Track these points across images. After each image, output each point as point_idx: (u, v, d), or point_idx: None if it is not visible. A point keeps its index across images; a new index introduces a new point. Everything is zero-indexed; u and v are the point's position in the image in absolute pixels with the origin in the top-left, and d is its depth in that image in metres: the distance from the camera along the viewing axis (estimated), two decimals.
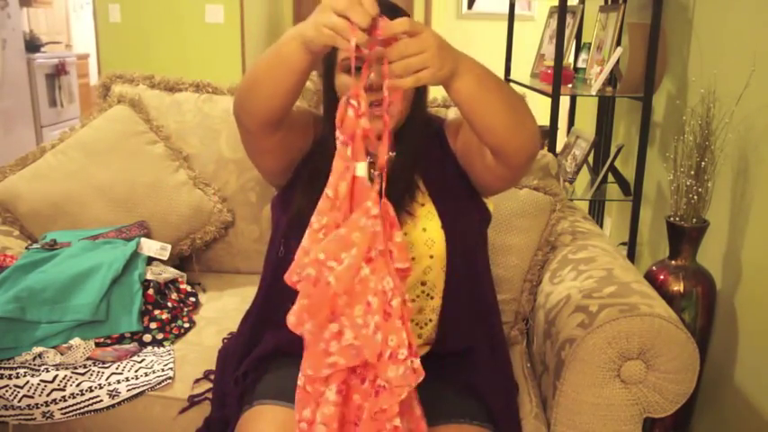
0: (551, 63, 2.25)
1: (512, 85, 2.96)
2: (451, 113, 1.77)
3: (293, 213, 1.22)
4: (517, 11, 3.10)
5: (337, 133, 0.92)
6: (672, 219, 1.84)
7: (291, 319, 0.93)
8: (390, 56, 0.90)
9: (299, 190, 1.23)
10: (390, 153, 1.22)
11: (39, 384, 1.31)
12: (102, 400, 1.32)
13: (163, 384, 1.36)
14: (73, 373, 1.35)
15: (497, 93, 1.00)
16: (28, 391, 1.30)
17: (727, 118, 1.79)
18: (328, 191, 0.92)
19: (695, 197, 1.77)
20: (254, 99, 1.09)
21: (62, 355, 1.39)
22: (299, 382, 0.98)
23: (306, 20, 0.96)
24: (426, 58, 0.90)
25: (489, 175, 1.16)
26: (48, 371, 1.34)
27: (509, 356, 1.34)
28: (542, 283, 1.56)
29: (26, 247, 1.66)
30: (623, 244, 2.43)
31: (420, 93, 1.22)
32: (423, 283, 1.21)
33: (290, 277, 0.95)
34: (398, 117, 1.17)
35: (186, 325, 1.59)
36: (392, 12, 1.14)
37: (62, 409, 1.30)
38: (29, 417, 1.30)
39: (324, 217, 0.92)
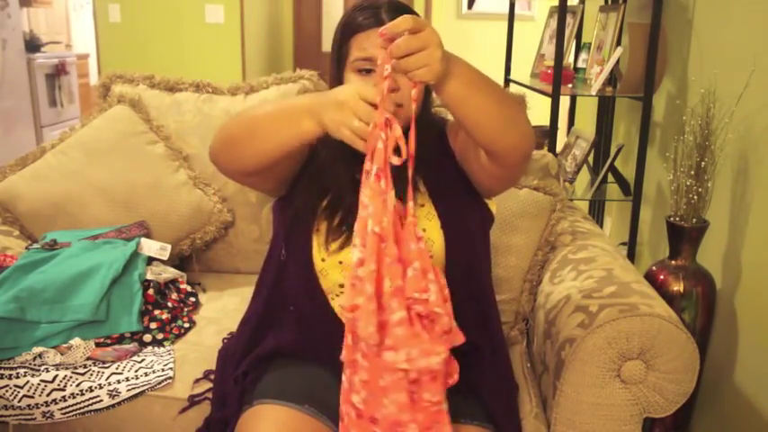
0: (551, 63, 2.25)
1: (512, 85, 2.96)
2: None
3: (292, 217, 1.22)
4: (517, 11, 3.10)
5: (367, 166, 0.93)
6: (672, 219, 1.84)
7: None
8: (394, 52, 0.90)
9: (297, 197, 1.23)
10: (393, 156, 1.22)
11: (39, 384, 1.31)
12: (102, 400, 1.32)
13: (163, 384, 1.36)
14: (73, 373, 1.35)
15: (487, 93, 1.00)
16: (28, 391, 1.30)
17: (727, 118, 1.79)
18: (375, 227, 0.92)
19: (695, 197, 1.77)
20: (248, 150, 1.10)
21: (62, 355, 1.39)
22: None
23: (321, 98, 0.99)
24: (428, 55, 0.90)
25: (485, 174, 1.16)
26: (48, 371, 1.34)
27: (509, 357, 1.34)
28: (542, 283, 1.56)
29: (26, 247, 1.66)
30: (623, 244, 2.43)
31: (426, 93, 1.22)
32: None
33: (368, 337, 0.93)
34: (409, 116, 1.17)
35: (186, 325, 1.59)
36: (400, 11, 1.14)
37: (62, 408, 1.30)
38: (29, 417, 1.30)
39: (373, 254, 0.92)
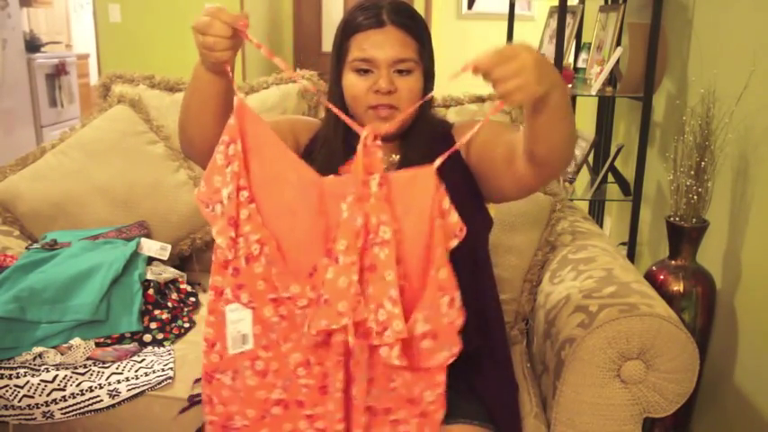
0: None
1: None
2: (451, 114, 1.77)
3: None
4: (517, 11, 3.10)
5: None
6: (672, 219, 1.84)
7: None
8: (493, 76, 0.86)
9: None
10: (394, 156, 1.22)
11: (39, 384, 1.31)
12: (102, 400, 1.32)
13: (163, 384, 1.36)
14: (73, 373, 1.35)
15: (567, 112, 0.98)
16: (28, 391, 1.30)
17: (727, 118, 1.79)
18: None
19: (695, 197, 1.77)
20: (188, 127, 1.10)
21: (62, 355, 1.39)
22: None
23: None
24: (523, 81, 0.85)
25: (513, 182, 1.13)
26: (48, 371, 1.34)
27: (510, 357, 1.34)
28: (542, 283, 1.56)
29: (26, 247, 1.67)
30: (623, 244, 2.43)
31: (425, 94, 1.21)
32: None
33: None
34: (406, 121, 1.17)
35: (186, 325, 1.59)
36: (401, 12, 1.14)
37: (62, 408, 1.30)
38: (29, 417, 1.30)
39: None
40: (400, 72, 1.13)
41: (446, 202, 0.93)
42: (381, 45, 1.11)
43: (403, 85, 1.13)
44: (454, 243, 0.94)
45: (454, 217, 0.94)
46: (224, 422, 1.05)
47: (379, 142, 0.92)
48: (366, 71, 1.13)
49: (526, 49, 0.86)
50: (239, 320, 0.99)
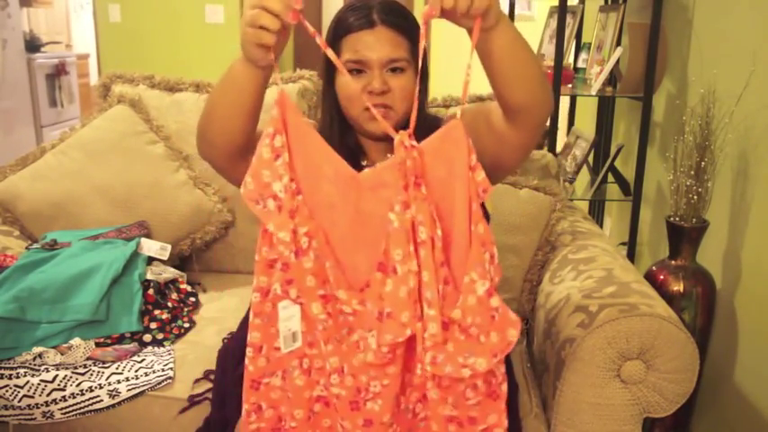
0: (551, 63, 2.25)
1: None
2: (451, 113, 1.77)
3: None
4: (517, 11, 3.10)
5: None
6: (672, 219, 1.84)
7: (450, 370, 0.94)
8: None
9: None
10: (389, 155, 1.22)
11: (39, 384, 1.31)
12: (102, 400, 1.32)
13: (163, 384, 1.36)
14: (73, 373, 1.35)
15: (526, 43, 1.00)
16: (28, 390, 1.30)
17: (727, 118, 1.79)
18: (431, 235, 0.92)
19: (695, 197, 1.77)
20: (213, 127, 1.08)
21: (62, 355, 1.39)
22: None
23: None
24: None
25: (501, 147, 1.13)
26: (48, 371, 1.34)
27: (510, 357, 1.34)
28: (542, 283, 1.56)
29: (26, 247, 1.67)
30: (623, 244, 2.43)
31: (420, 94, 1.21)
32: None
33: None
34: (401, 117, 1.17)
35: (186, 325, 1.59)
36: (393, 11, 1.14)
37: (62, 408, 1.30)
38: (29, 417, 1.30)
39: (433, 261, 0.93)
40: (393, 71, 1.13)
41: (474, 158, 0.92)
42: (373, 46, 1.11)
43: (396, 85, 1.13)
44: (479, 203, 0.93)
45: (480, 174, 0.92)
46: (274, 425, 1.03)
47: (414, 142, 0.91)
48: (359, 71, 1.13)
49: None
50: (290, 318, 0.97)
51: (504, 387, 0.99)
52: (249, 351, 1.00)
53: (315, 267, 0.95)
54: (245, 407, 1.03)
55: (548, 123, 2.30)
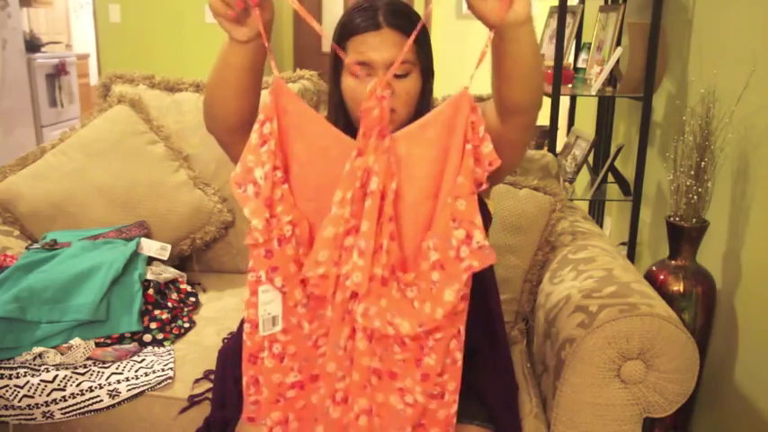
0: (551, 63, 2.25)
1: None
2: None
3: None
4: None
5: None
6: (672, 219, 1.84)
7: (377, 324, 0.95)
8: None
9: None
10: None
11: (39, 384, 1.31)
12: (102, 400, 1.32)
13: (163, 384, 1.36)
14: (73, 373, 1.35)
15: (538, 49, 1.01)
16: (28, 391, 1.30)
17: (727, 118, 1.79)
18: (380, 186, 0.92)
19: (695, 197, 1.77)
20: (214, 104, 1.10)
21: (62, 355, 1.39)
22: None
23: None
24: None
25: (498, 147, 1.12)
26: (48, 371, 1.34)
27: (510, 357, 1.34)
28: (542, 283, 1.56)
29: (26, 247, 1.67)
30: (623, 244, 2.43)
31: (425, 97, 1.21)
32: None
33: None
34: (404, 120, 1.17)
35: (186, 325, 1.59)
36: (398, 13, 1.13)
37: (62, 408, 1.30)
38: (29, 417, 1.30)
39: (375, 212, 0.93)
40: (397, 75, 1.13)
41: (482, 129, 0.91)
42: (378, 48, 1.11)
43: (400, 88, 1.13)
44: (484, 177, 0.92)
45: (488, 146, 0.92)
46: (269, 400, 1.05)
47: (388, 92, 0.91)
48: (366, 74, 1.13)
49: None
50: (270, 302, 0.98)
51: (427, 361, 0.98)
52: (246, 327, 1.02)
53: (295, 254, 0.96)
54: (244, 379, 1.05)
55: (547, 123, 2.30)
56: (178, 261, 1.85)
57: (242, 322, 1.39)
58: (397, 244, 0.93)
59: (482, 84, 1.12)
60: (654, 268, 1.88)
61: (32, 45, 4.92)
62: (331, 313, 0.99)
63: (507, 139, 1.10)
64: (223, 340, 1.50)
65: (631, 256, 2.33)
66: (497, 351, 1.29)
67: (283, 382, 1.03)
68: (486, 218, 1.31)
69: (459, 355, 1.00)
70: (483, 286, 1.28)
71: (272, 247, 0.95)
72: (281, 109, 0.93)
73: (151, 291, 1.57)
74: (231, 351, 1.35)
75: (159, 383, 1.36)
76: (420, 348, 0.98)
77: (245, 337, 1.02)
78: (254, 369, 1.04)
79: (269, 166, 0.92)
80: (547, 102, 2.24)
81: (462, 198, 0.90)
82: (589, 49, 2.63)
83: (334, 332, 0.99)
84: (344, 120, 1.21)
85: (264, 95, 0.95)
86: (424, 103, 1.20)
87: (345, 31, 1.15)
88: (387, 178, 0.91)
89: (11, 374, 1.33)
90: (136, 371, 1.38)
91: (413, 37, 0.96)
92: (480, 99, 1.79)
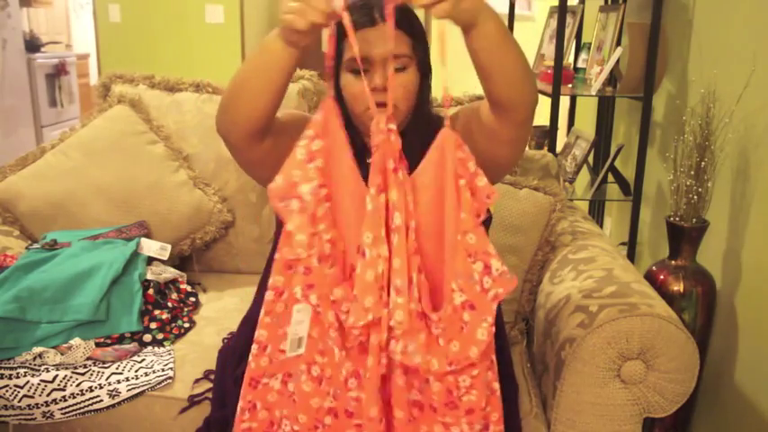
0: (551, 63, 2.25)
1: None
2: (451, 114, 1.77)
3: None
4: (517, 11, 3.10)
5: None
6: (672, 219, 1.84)
7: (418, 360, 0.93)
8: None
9: None
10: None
11: (39, 384, 1.31)
12: (102, 400, 1.32)
13: (163, 384, 1.36)
14: (73, 373, 1.35)
15: (513, 40, 1.01)
16: (28, 391, 1.30)
17: (727, 118, 1.79)
18: (408, 221, 0.91)
19: (695, 197, 1.77)
20: (240, 104, 1.09)
21: (62, 355, 1.39)
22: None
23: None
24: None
25: (494, 144, 1.14)
26: (48, 371, 1.34)
27: (510, 357, 1.34)
28: (542, 283, 1.56)
29: (26, 247, 1.66)
30: (623, 244, 2.43)
31: (423, 92, 1.22)
32: None
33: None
34: (403, 115, 1.17)
35: (186, 325, 1.59)
36: (401, 13, 1.13)
37: (62, 408, 1.30)
38: (29, 417, 1.30)
39: (404, 248, 0.92)
40: (395, 69, 1.13)
41: (472, 165, 0.91)
42: (374, 42, 1.11)
43: (398, 82, 1.13)
44: (483, 209, 0.92)
45: (482, 180, 0.92)
46: (266, 428, 1.02)
47: (392, 125, 0.91)
48: (364, 70, 1.13)
49: None
50: (301, 322, 0.96)
51: (468, 398, 0.97)
52: (254, 348, 0.99)
53: (331, 274, 0.95)
54: (240, 404, 1.02)
55: (547, 123, 2.30)
56: (178, 261, 1.85)
57: (242, 322, 1.39)
58: (425, 276, 0.93)
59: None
60: (654, 268, 1.88)
61: (32, 45, 4.92)
62: (370, 360, 0.95)
63: (503, 136, 1.11)
64: (223, 340, 1.50)
65: (631, 256, 2.33)
66: (497, 351, 1.28)
67: (322, 407, 0.99)
68: (487, 218, 1.31)
69: (496, 385, 0.99)
70: None
71: (312, 263, 0.93)
72: (326, 128, 0.94)
73: (151, 291, 1.57)
74: (231, 351, 1.35)
75: (159, 383, 1.35)
76: (455, 382, 0.96)
77: (250, 358, 0.99)
78: (253, 394, 1.01)
79: (316, 183, 0.92)
80: (547, 102, 2.24)
81: (470, 232, 0.91)
82: (589, 49, 2.63)
83: (373, 376, 0.95)
84: (344, 119, 1.21)
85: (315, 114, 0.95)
86: (422, 99, 1.21)
87: (342, 29, 1.15)
88: (407, 213, 0.91)
89: (11, 374, 1.33)
90: (136, 371, 1.38)
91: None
92: (480, 98, 1.79)
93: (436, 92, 1.33)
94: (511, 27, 3.05)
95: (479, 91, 1.74)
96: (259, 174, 1.27)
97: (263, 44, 1.04)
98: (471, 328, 0.92)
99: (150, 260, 1.67)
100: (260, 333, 0.98)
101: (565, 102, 2.77)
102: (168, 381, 1.37)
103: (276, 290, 0.96)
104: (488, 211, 1.30)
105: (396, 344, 0.93)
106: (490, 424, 0.99)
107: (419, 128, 1.21)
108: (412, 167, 0.97)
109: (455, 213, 0.91)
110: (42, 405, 1.30)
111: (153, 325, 1.52)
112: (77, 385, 1.32)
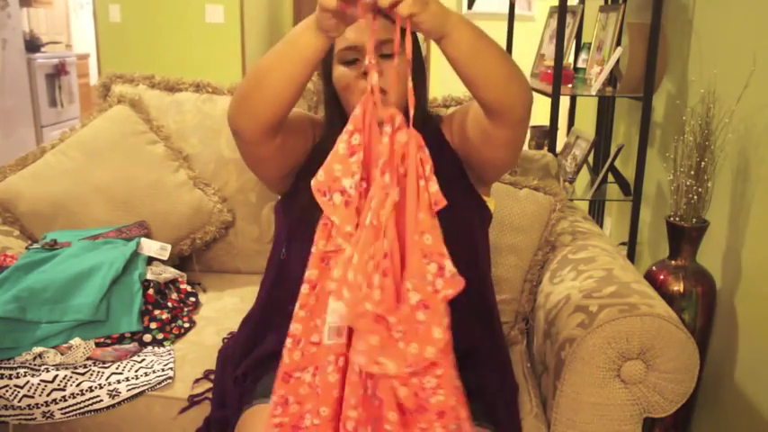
0: (551, 63, 2.26)
1: None
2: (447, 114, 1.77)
3: (296, 216, 1.22)
4: (517, 11, 3.10)
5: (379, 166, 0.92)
6: (672, 219, 1.84)
7: (362, 361, 0.92)
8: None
9: (302, 193, 1.23)
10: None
11: (39, 384, 1.31)
12: (102, 400, 1.32)
13: (163, 384, 1.36)
14: (73, 373, 1.35)
15: (490, 45, 1.00)
16: (28, 391, 1.30)
17: (727, 118, 1.79)
18: (373, 220, 0.90)
19: (695, 197, 1.77)
20: (261, 97, 1.07)
21: (62, 354, 1.39)
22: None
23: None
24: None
25: (490, 146, 1.14)
26: (48, 371, 1.34)
27: (509, 357, 1.34)
28: (542, 283, 1.56)
29: (26, 247, 1.67)
30: (623, 244, 2.43)
31: (420, 91, 1.22)
32: None
33: (356, 311, 0.92)
34: (397, 102, 1.16)
35: (186, 325, 1.59)
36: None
37: (62, 408, 1.30)
38: (29, 417, 1.30)
39: (371, 247, 0.91)
40: (384, 56, 1.13)
41: (428, 168, 0.92)
42: (364, 31, 1.12)
43: (388, 67, 1.13)
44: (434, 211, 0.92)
45: (433, 186, 0.92)
46: (295, 422, 1.01)
47: (398, 120, 0.92)
48: (354, 61, 1.14)
49: None
50: (338, 310, 0.96)
51: (435, 399, 0.95)
52: (288, 342, 0.99)
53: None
54: (273, 398, 1.01)
55: (547, 123, 2.30)
56: (178, 261, 1.85)
57: (242, 322, 1.39)
58: (391, 280, 0.92)
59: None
60: (654, 268, 1.88)
61: (32, 45, 4.92)
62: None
63: (499, 139, 1.11)
64: (223, 340, 1.50)
65: (631, 256, 2.33)
66: (497, 351, 1.29)
67: (341, 397, 0.98)
68: (486, 217, 1.31)
69: (459, 383, 0.98)
70: (480, 285, 1.28)
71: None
72: (365, 124, 0.94)
73: (151, 291, 1.57)
74: (231, 351, 1.35)
75: (159, 383, 1.35)
76: (420, 384, 0.95)
77: (284, 352, 0.99)
78: (286, 388, 1.00)
79: (358, 176, 0.93)
80: (547, 102, 2.24)
81: (427, 232, 0.91)
82: (589, 49, 2.63)
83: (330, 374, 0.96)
84: (339, 114, 1.21)
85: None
86: (418, 94, 1.20)
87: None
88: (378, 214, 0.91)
89: (11, 374, 1.33)
90: (136, 371, 1.38)
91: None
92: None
93: (436, 92, 1.33)
94: (511, 27, 3.05)
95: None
96: (265, 171, 1.27)
97: (289, 36, 1.03)
98: (427, 327, 0.92)
99: (150, 260, 1.68)
100: (294, 327, 0.98)
101: (565, 102, 2.77)
102: (168, 381, 1.37)
103: (311, 283, 0.97)
104: (488, 210, 1.30)
105: (356, 340, 0.93)
106: (462, 423, 0.99)
107: (416, 126, 1.21)
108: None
109: (414, 213, 0.91)
110: (42, 405, 1.30)
111: (153, 325, 1.52)
112: (77, 385, 1.32)
